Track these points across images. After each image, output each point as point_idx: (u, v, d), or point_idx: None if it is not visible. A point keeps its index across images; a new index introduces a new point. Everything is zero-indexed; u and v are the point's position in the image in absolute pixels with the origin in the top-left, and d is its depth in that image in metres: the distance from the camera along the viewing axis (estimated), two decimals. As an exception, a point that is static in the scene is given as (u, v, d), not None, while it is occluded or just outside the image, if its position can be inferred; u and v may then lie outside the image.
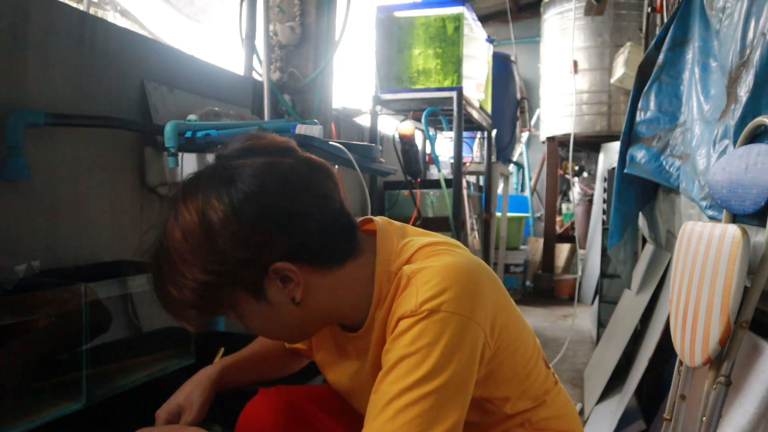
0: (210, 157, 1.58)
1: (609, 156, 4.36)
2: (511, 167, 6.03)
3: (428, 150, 3.37)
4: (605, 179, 3.84)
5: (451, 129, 2.85)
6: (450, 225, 2.79)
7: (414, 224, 3.00)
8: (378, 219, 0.88)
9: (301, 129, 1.56)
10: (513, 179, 6.64)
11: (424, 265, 0.77)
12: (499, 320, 0.79)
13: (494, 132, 3.79)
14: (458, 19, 2.68)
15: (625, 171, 1.96)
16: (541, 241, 5.46)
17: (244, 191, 0.73)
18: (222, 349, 1.13)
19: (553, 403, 0.91)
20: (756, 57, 1.15)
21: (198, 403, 0.98)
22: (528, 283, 5.43)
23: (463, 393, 0.72)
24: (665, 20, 2.09)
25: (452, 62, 2.70)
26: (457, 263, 0.77)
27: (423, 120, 2.80)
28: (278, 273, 0.76)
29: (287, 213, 0.75)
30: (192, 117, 1.65)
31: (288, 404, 0.97)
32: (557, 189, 5.58)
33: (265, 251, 0.75)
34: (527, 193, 6.48)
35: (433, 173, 3.63)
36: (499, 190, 4.22)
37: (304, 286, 0.78)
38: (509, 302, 0.86)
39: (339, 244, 0.81)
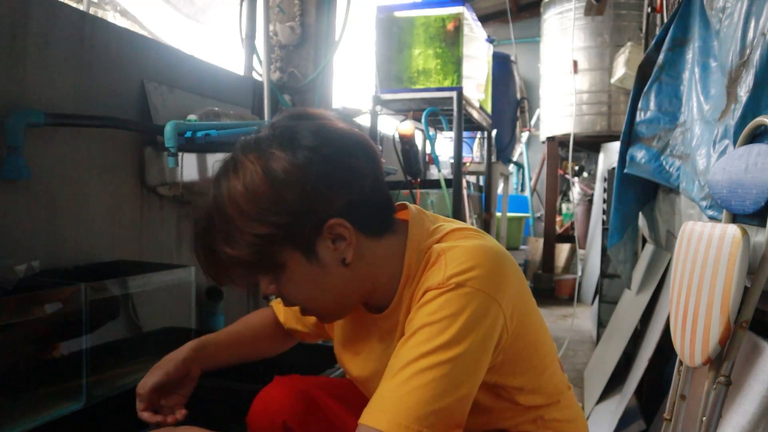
0: (210, 157, 1.59)
1: (609, 156, 4.35)
2: (511, 167, 6.03)
3: (428, 150, 3.37)
4: (605, 179, 3.84)
5: (451, 129, 2.85)
6: (450, 225, 2.78)
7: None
8: (411, 205, 0.91)
9: (301, 129, 1.56)
10: (513, 179, 6.64)
11: (455, 245, 0.80)
12: (520, 309, 0.80)
13: (494, 132, 3.79)
14: (458, 19, 2.68)
15: (625, 171, 1.96)
16: (541, 241, 5.46)
17: (306, 145, 0.75)
18: None
19: (567, 407, 0.91)
20: (756, 57, 1.15)
21: (167, 365, 0.96)
22: (528, 283, 5.42)
23: (476, 369, 0.74)
24: (665, 20, 2.09)
25: (452, 62, 2.70)
26: (486, 246, 0.80)
27: (423, 120, 2.80)
28: (332, 231, 0.78)
29: (348, 168, 0.77)
30: (192, 117, 1.65)
31: (303, 393, 0.98)
32: (557, 189, 5.58)
33: (325, 204, 0.76)
34: (527, 193, 6.48)
35: (433, 173, 3.63)
36: (499, 190, 4.21)
37: (355, 248, 0.80)
38: (530, 296, 0.87)
39: (383, 215, 0.83)
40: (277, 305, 1.12)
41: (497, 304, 0.75)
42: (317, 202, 0.75)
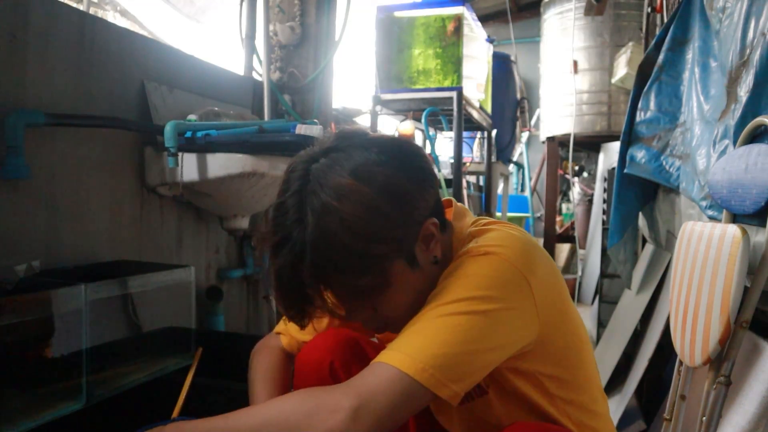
0: (210, 157, 1.59)
1: (609, 156, 4.35)
2: (511, 167, 6.03)
3: (428, 150, 3.37)
4: (605, 179, 3.84)
5: (451, 129, 2.85)
6: (450, 225, 2.78)
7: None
8: (455, 201, 0.93)
9: (301, 129, 1.56)
10: (513, 179, 6.64)
11: (490, 229, 0.82)
12: (553, 297, 0.80)
13: (494, 132, 3.79)
14: (458, 19, 2.68)
15: (625, 171, 1.96)
16: (541, 241, 5.45)
17: (380, 158, 0.75)
18: (200, 349, 1.10)
19: (606, 423, 0.89)
20: (756, 57, 1.15)
21: None
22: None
23: (499, 333, 0.73)
24: (665, 20, 2.09)
25: (452, 62, 2.70)
26: (518, 234, 0.82)
27: (423, 120, 2.80)
28: (426, 232, 0.79)
29: (420, 169, 0.79)
30: (192, 117, 1.65)
31: (352, 340, 0.99)
32: (557, 189, 5.58)
33: (420, 207, 0.78)
34: (527, 193, 6.48)
35: (433, 173, 3.62)
36: (499, 190, 4.21)
37: (441, 243, 0.81)
38: (566, 290, 0.86)
39: (444, 210, 0.86)
40: (285, 334, 1.07)
41: (527, 282, 0.75)
42: (415, 207, 0.77)
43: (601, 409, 0.89)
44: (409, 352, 0.69)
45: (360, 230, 0.72)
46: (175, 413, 1.05)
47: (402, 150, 0.79)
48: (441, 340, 0.69)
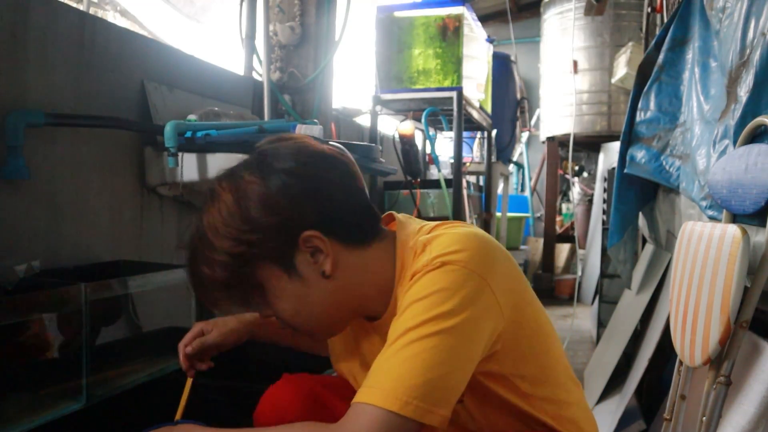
0: (210, 157, 1.59)
1: (609, 156, 4.35)
2: (511, 167, 6.03)
3: (428, 150, 3.37)
4: (605, 179, 3.84)
5: (451, 129, 2.85)
6: (450, 225, 2.78)
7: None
8: (397, 213, 0.92)
9: (301, 129, 1.56)
10: (513, 179, 6.64)
11: (440, 233, 0.81)
12: (515, 294, 0.79)
13: (494, 132, 3.79)
14: (458, 19, 2.68)
15: (625, 171, 1.96)
16: (541, 241, 5.46)
17: (274, 165, 0.79)
18: (190, 381, 1.10)
19: (578, 411, 0.89)
20: (756, 57, 1.15)
21: (227, 328, 1.05)
22: (528, 283, 5.42)
23: (471, 346, 0.72)
24: (665, 20, 2.09)
25: (452, 62, 2.70)
26: (471, 231, 0.81)
27: (423, 120, 2.80)
28: (308, 243, 0.78)
29: (314, 178, 0.80)
30: (192, 117, 1.65)
31: (311, 392, 0.98)
32: (557, 189, 5.58)
33: (295, 217, 0.78)
34: (527, 193, 6.48)
35: (433, 173, 3.63)
36: (499, 190, 4.21)
37: (333, 259, 0.80)
38: (527, 283, 0.86)
39: (364, 223, 0.84)
40: None
41: (488, 285, 0.74)
42: (287, 216, 0.77)
43: (575, 398, 0.90)
44: (388, 387, 0.68)
45: (219, 229, 0.78)
46: (178, 415, 1.05)
47: (304, 160, 0.80)
48: (417, 369, 0.68)
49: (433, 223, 0.86)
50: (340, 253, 0.80)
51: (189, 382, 1.07)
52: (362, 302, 0.86)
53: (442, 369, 0.69)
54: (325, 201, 0.79)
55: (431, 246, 0.78)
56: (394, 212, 0.91)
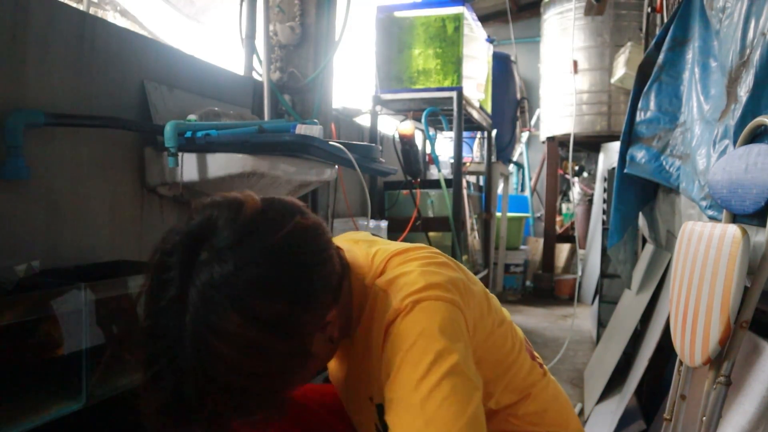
0: (210, 157, 1.59)
1: (609, 156, 4.36)
2: (511, 167, 6.04)
3: (428, 150, 3.37)
4: (605, 179, 3.84)
5: (451, 129, 2.85)
6: (450, 225, 2.79)
7: (414, 224, 2.99)
8: (340, 238, 0.89)
9: (301, 129, 1.56)
10: (513, 179, 6.64)
11: (396, 273, 0.78)
12: (475, 313, 0.80)
13: (494, 132, 3.79)
14: (458, 19, 2.68)
15: (625, 171, 1.96)
16: (541, 241, 5.46)
17: (273, 275, 0.67)
18: None
19: (540, 395, 0.91)
20: (756, 57, 1.15)
21: None
22: (528, 283, 5.43)
23: (474, 372, 0.71)
24: (665, 20, 2.09)
25: (452, 62, 2.70)
26: (428, 259, 0.79)
27: (423, 120, 2.80)
28: (325, 326, 0.76)
29: (312, 279, 0.72)
30: (192, 117, 1.65)
31: (289, 399, 0.97)
32: (557, 189, 5.58)
33: (318, 316, 0.73)
34: (527, 193, 6.48)
35: (433, 173, 3.63)
36: (499, 190, 4.22)
37: (335, 321, 0.78)
38: (483, 295, 0.85)
39: (337, 273, 0.78)
40: None
41: (460, 309, 0.74)
42: (304, 334, 0.71)
43: (536, 378, 0.90)
44: None
45: (244, 369, 0.66)
46: None
47: (295, 260, 0.70)
48: (442, 424, 0.66)
49: (383, 253, 0.83)
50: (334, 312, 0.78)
51: None
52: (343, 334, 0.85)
53: (469, 407, 0.68)
54: (331, 282, 0.75)
55: (392, 290, 0.75)
56: (337, 242, 0.87)
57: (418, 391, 0.67)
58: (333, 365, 0.97)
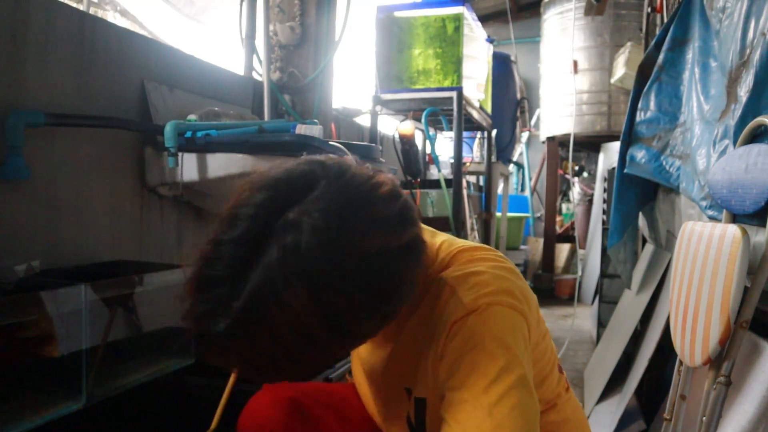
0: (210, 157, 1.59)
1: (609, 156, 4.35)
2: (511, 167, 6.03)
3: (428, 150, 3.37)
4: (605, 179, 3.84)
5: (451, 129, 2.85)
6: (450, 225, 2.79)
7: (414, 224, 2.98)
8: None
9: (301, 129, 1.56)
10: (513, 179, 6.64)
11: (467, 271, 0.76)
12: (533, 325, 0.79)
13: (494, 132, 3.79)
14: (458, 19, 2.68)
15: (625, 171, 1.96)
16: (541, 241, 5.46)
17: (361, 268, 0.64)
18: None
19: (563, 407, 0.90)
20: (756, 57, 1.15)
21: None
22: (528, 283, 5.43)
23: (532, 384, 0.70)
24: (665, 20, 2.09)
25: (452, 62, 2.70)
26: (498, 266, 0.77)
27: (423, 120, 2.80)
28: None
29: (404, 284, 0.70)
30: (192, 117, 1.65)
31: (292, 401, 0.97)
32: (557, 189, 5.58)
33: (390, 318, 0.72)
34: (527, 193, 6.48)
35: (433, 173, 3.63)
36: (499, 190, 4.21)
37: None
38: (537, 306, 0.85)
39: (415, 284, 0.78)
40: None
41: (526, 321, 0.73)
42: (357, 336, 0.70)
43: (561, 389, 0.90)
44: None
45: (287, 346, 0.64)
46: (214, 424, 1.04)
47: (388, 271, 0.66)
48: (518, 428, 0.65)
49: (449, 247, 0.82)
50: None
51: (226, 391, 1.07)
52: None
53: (534, 418, 0.67)
54: (418, 242, 0.72)
55: (464, 285, 0.74)
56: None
57: (487, 395, 0.66)
58: (364, 348, 0.94)
